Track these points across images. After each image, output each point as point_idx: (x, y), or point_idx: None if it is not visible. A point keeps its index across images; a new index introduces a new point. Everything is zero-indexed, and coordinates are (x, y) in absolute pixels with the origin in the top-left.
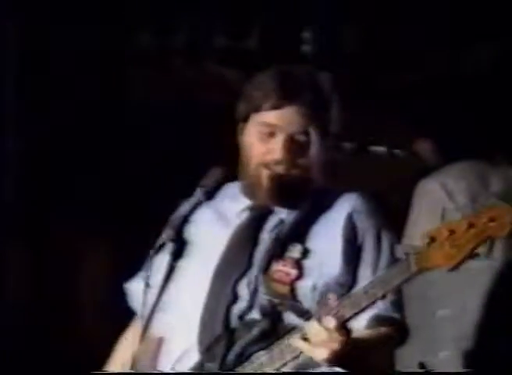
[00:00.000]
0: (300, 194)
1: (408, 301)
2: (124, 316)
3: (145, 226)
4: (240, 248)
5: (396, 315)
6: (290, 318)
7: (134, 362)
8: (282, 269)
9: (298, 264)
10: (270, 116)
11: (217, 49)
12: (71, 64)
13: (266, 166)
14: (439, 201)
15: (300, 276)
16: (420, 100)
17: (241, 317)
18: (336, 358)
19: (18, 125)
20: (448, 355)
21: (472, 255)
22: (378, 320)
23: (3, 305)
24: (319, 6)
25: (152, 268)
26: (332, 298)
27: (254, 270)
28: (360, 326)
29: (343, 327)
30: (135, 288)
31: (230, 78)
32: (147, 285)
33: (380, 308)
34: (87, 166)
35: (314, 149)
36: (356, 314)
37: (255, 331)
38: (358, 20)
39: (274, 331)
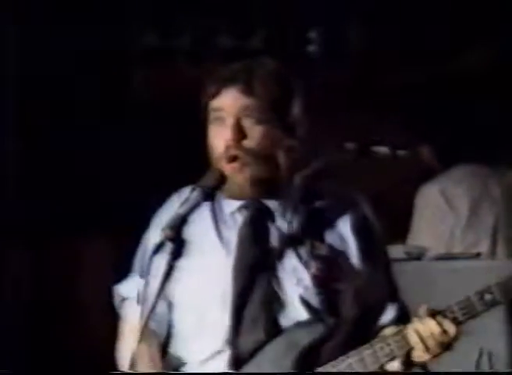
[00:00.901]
0: (270, 179)
1: (409, 301)
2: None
3: (145, 226)
4: (251, 249)
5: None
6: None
7: (134, 362)
8: (321, 266)
9: (332, 261)
10: (215, 102)
11: (221, 49)
12: (73, 64)
13: (226, 157)
14: (438, 207)
15: (337, 272)
16: (422, 101)
17: (288, 318)
18: (429, 363)
19: (18, 125)
20: (448, 355)
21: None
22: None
23: (3, 305)
24: (324, 6)
25: (151, 268)
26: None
27: (279, 268)
28: (387, 319)
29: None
30: (127, 290)
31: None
32: (146, 285)
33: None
34: (87, 166)
35: (265, 131)
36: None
37: (320, 331)
38: (362, 20)
39: (338, 328)
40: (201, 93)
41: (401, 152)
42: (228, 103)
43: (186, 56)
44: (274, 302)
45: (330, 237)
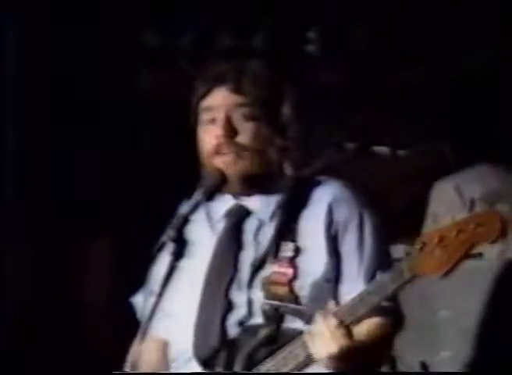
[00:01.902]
0: (261, 175)
1: (409, 301)
2: (124, 315)
3: (146, 226)
4: (224, 254)
5: (387, 303)
6: (292, 321)
7: (134, 364)
8: (279, 270)
9: (292, 263)
10: (206, 101)
11: (221, 49)
12: (73, 65)
13: (216, 154)
14: (452, 205)
15: (295, 274)
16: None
17: (241, 324)
18: (335, 358)
19: (18, 125)
20: (449, 355)
21: (465, 258)
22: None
23: (3, 305)
24: (324, 6)
25: (153, 268)
26: (331, 304)
27: (244, 275)
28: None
29: (345, 328)
30: (140, 300)
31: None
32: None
33: None
34: (88, 166)
35: (256, 127)
36: (355, 321)
37: (260, 336)
38: (363, 20)
39: (279, 335)
40: (191, 94)
41: (401, 152)
42: (218, 101)
43: (186, 56)
44: (233, 310)
45: (301, 238)
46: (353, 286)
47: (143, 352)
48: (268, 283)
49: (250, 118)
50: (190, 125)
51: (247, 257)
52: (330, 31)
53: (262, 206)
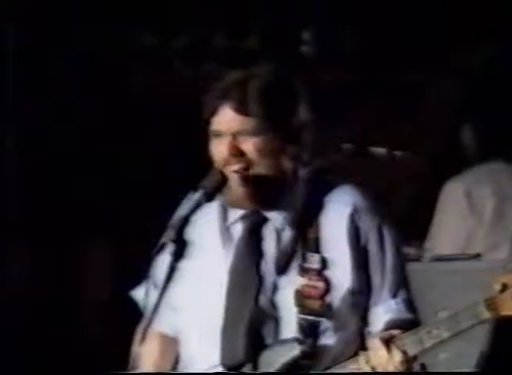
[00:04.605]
0: (273, 185)
1: None
2: (124, 316)
3: (145, 226)
4: (246, 263)
5: (410, 316)
6: (326, 337)
7: (135, 361)
8: (309, 283)
9: (322, 275)
10: (213, 122)
11: (217, 49)
12: (72, 65)
13: (225, 167)
14: (460, 207)
15: (328, 288)
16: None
17: (269, 336)
18: None
19: (18, 125)
20: (449, 356)
21: None
22: (395, 324)
23: (3, 305)
24: (319, 6)
25: (154, 268)
26: (395, 332)
27: (268, 285)
28: (376, 330)
29: (408, 363)
30: (140, 295)
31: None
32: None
33: (394, 311)
34: (87, 166)
35: (263, 142)
36: (418, 353)
37: (296, 352)
38: (358, 20)
39: (314, 352)
40: (201, 109)
41: (399, 153)
42: (223, 123)
43: (183, 57)
44: (261, 321)
45: (326, 244)
46: (378, 296)
47: (145, 348)
48: (301, 298)
49: (256, 134)
50: (194, 124)
51: (270, 266)
52: (325, 31)
53: (279, 213)
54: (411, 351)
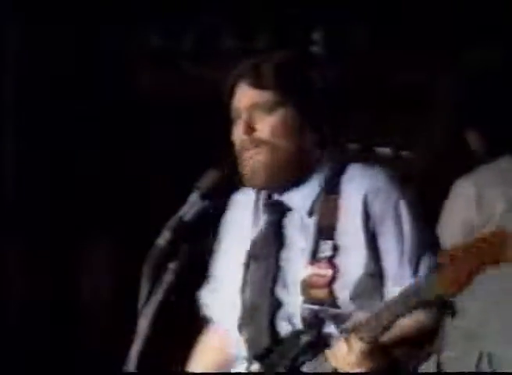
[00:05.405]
0: (288, 168)
1: None
2: (125, 315)
3: (145, 226)
4: (268, 251)
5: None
6: (331, 325)
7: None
8: (318, 272)
9: (331, 263)
10: (232, 102)
11: (225, 50)
12: (76, 65)
13: (243, 149)
14: (468, 206)
15: (335, 275)
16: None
17: (290, 322)
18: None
19: (18, 125)
20: (449, 356)
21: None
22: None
23: (2, 305)
24: (328, 7)
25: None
26: (359, 316)
27: (289, 274)
28: None
29: (371, 350)
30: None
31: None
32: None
33: None
34: (88, 167)
35: (278, 120)
36: (383, 332)
37: (302, 342)
38: (366, 21)
39: (320, 341)
40: (221, 94)
41: (404, 153)
42: (241, 100)
43: (189, 57)
44: (276, 312)
45: (339, 235)
46: (397, 279)
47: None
48: (307, 287)
49: (271, 111)
50: (199, 123)
51: (291, 255)
52: (334, 32)
53: (300, 202)
54: (367, 339)
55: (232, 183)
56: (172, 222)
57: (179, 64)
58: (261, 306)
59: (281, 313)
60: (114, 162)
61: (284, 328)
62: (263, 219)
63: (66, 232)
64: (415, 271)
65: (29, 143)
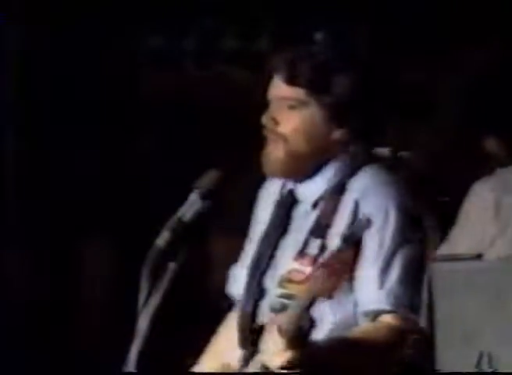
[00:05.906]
0: (304, 166)
1: None
2: (124, 315)
3: (145, 226)
4: (269, 240)
5: (389, 308)
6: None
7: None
8: (299, 267)
9: (314, 261)
10: (268, 93)
11: (227, 51)
12: (78, 65)
13: (268, 137)
14: (485, 212)
15: (312, 274)
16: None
17: (273, 311)
18: (292, 367)
19: (18, 125)
20: (449, 356)
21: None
22: (367, 314)
23: (2, 305)
24: (331, 7)
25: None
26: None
27: (279, 265)
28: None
29: (294, 337)
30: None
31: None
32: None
33: (372, 301)
34: (88, 166)
35: (301, 117)
36: (294, 331)
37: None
38: (370, 22)
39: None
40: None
41: (403, 154)
42: (272, 91)
43: (191, 58)
44: (260, 301)
45: (331, 230)
46: (365, 284)
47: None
48: (284, 281)
49: (297, 109)
50: (202, 124)
51: (287, 245)
52: (337, 33)
53: (308, 195)
54: (289, 332)
55: (232, 183)
56: (172, 222)
57: (181, 65)
58: (248, 292)
59: (264, 302)
60: (114, 162)
61: (265, 317)
62: (275, 206)
63: (66, 232)
64: (382, 283)
65: (29, 143)
